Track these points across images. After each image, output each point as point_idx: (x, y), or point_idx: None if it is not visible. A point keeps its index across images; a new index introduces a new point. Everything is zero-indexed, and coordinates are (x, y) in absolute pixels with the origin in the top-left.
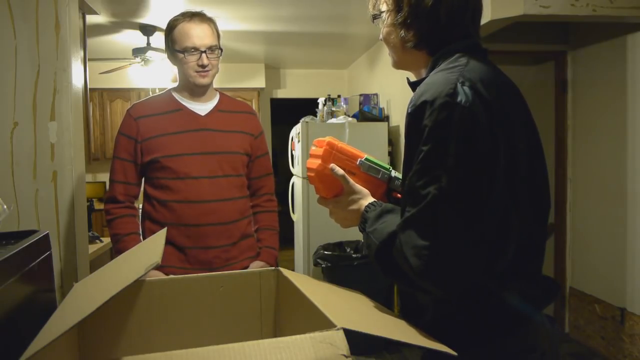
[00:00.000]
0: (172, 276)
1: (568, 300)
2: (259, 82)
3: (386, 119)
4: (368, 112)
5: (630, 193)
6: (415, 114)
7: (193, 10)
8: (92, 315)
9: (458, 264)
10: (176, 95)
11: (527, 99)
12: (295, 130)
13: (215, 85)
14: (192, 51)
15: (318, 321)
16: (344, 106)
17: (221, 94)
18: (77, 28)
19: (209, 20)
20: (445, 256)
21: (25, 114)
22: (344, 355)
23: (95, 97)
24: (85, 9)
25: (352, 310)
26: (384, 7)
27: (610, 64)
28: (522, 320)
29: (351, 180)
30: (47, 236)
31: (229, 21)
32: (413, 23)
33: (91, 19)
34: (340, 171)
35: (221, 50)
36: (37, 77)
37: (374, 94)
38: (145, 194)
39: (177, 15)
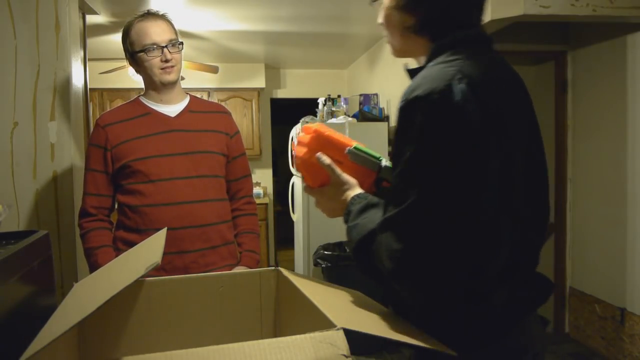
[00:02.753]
0: (172, 276)
1: (568, 300)
2: (259, 82)
3: (386, 119)
4: (368, 112)
5: (630, 193)
6: (405, 110)
7: (145, 11)
8: (92, 316)
9: (430, 270)
10: (144, 100)
11: None
12: (295, 130)
13: (215, 85)
14: (153, 48)
15: (318, 321)
16: (344, 106)
17: (191, 96)
18: (77, 28)
19: (163, 17)
20: (418, 262)
21: (25, 114)
22: (344, 355)
23: (95, 97)
24: (85, 9)
25: (352, 310)
26: None
27: (610, 64)
28: (514, 322)
29: (338, 170)
30: (47, 236)
31: (229, 21)
32: (416, 6)
33: (91, 19)
34: (327, 160)
35: (181, 43)
36: (37, 77)
37: (374, 94)
38: (118, 204)
39: (130, 19)
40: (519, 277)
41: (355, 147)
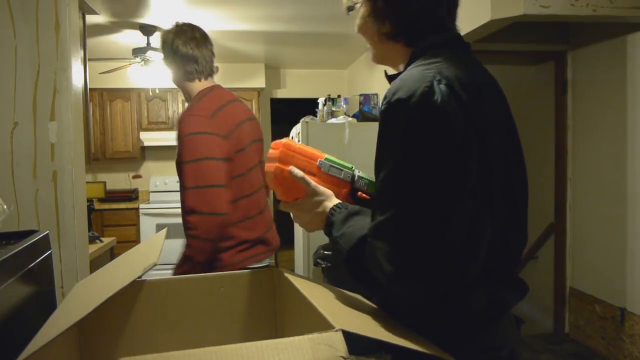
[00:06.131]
0: (172, 276)
1: (568, 300)
2: (259, 82)
3: None
4: (368, 112)
5: (630, 193)
6: (388, 112)
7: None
8: (92, 315)
9: (429, 269)
10: (219, 89)
11: (527, 99)
12: (295, 130)
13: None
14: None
15: (317, 322)
16: (344, 106)
17: None
18: (77, 28)
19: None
20: (415, 262)
21: (25, 114)
22: (342, 357)
23: (95, 97)
24: (85, 9)
25: (351, 312)
26: None
27: (610, 64)
28: (490, 322)
29: (312, 182)
30: (47, 236)
31: (229, 21)
32: (388, 12)
33: (91, 19)
34: (300, 173)
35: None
36: (37, 77)
37: (374, 94)
38: None
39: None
40: (495, 278)
41: (326, 159)
